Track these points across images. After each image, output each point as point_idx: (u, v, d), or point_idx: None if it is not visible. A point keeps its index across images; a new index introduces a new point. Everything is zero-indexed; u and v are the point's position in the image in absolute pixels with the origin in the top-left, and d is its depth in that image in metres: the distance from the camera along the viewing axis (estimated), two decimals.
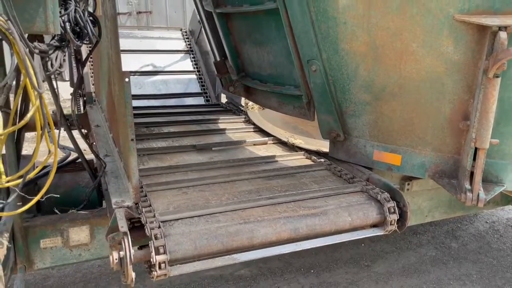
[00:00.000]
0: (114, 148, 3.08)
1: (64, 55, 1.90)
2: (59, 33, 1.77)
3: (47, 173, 2.10)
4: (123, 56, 5.84)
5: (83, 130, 4.18)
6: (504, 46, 2.12)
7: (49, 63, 1.77)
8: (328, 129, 3.01)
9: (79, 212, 2.90)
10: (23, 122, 1.63)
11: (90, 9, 2.31)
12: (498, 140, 2.35)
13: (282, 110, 3.39)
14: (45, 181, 2.05)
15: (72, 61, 5.20)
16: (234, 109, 4.92)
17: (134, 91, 5.36)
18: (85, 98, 4.60)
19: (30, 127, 2.03)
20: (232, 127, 4.20)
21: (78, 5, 1.94)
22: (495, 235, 4.89)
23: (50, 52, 1.86)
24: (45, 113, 1.64)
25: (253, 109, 4.49)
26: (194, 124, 4.30)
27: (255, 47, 3.34)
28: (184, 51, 6.09)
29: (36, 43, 1.73)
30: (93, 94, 4.62)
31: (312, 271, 4.08)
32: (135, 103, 5.17)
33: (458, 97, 2.43)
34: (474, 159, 2.39)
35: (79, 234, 2.87)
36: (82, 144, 3.10)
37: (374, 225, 2.57)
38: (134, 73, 5.59)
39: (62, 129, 3.03)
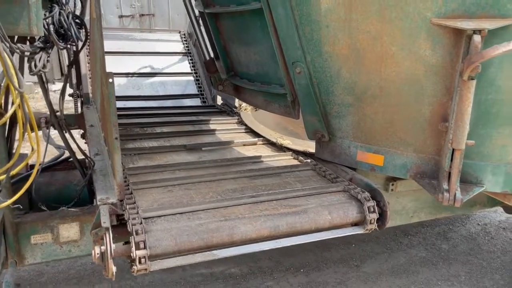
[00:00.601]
0: (105, 147, 3.15)
1: (49, 56, 1.97)
2: (42, 35, 1.84)
3: (39, 171, 2.17)
4: (122, 58, 5.90)
5: (79, 130, 4.29)
6: (478, 49, 2.17)
7: (32, 64, 1.84)
8: (314, 130, 3.07)
9: (69, 209, 2.97)
10: (3, 119, 1.70)
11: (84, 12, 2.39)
12: (474, 141, 2.40)
13: (268, 109, 3.45)
14: (37, 179, 2.13)
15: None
16: (228, 110, 4.98)
17: (132, 92, 5.44)
18: (82, 99, 4.68)
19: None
20: (224, 128, 4.26)
21: (63, 8, 2.01)
22: (486, 237, 4.92)
23: (37, 52, 1.94)
24: (27, 111, 1.72)
25: (246, 110, 4.55)
26: (187, 125, 4.36)
27: (243, 47, 3.40)
28: (182, 53, 6.16)
29: (19, 45, 1.81)
30: (90, 95, 4.70)
31: (301, 270, 4.13)
32: (133, 104, 5.25)
33: (437, 99, 2.48)
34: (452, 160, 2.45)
35: (69, 230, 2.94)
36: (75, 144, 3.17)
37: (354, 224, 2.62)
38: (132, 74, 5.66)
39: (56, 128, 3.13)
